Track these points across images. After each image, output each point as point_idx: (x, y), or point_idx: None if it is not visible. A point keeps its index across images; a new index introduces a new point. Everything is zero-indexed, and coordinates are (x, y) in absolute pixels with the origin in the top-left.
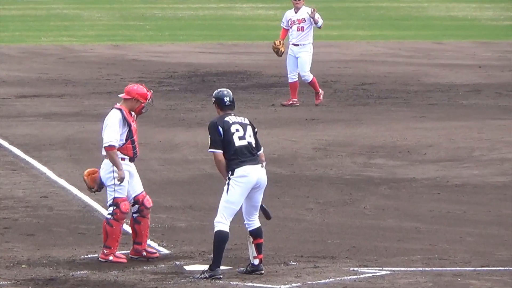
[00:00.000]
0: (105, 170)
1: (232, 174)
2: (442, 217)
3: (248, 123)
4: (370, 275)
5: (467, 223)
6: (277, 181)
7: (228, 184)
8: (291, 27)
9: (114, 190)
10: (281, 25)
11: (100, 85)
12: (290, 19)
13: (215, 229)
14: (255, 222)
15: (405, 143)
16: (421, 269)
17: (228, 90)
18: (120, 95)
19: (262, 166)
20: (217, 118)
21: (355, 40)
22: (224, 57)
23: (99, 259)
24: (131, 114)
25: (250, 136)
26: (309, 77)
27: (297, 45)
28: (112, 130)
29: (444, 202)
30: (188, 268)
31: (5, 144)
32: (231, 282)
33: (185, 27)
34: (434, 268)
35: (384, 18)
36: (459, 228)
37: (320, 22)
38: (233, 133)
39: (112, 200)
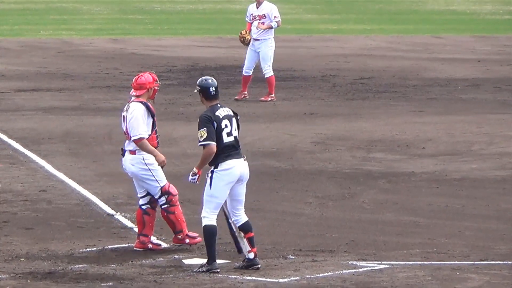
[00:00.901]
0: (136, 163)
1: (216, 167)
2: (440, 211)
3: (232, 114)
4: (369, 269)
5: (466, 217)
6: (276, 175)
7: (212, 178)
8: (252, 22)
9: (156, 180)
10: (246, 19)
11: (99, 79)
12: (252, 14)
13: (202, 225)
14: (241, 216)
15: (404, 137)
16: (419, 263)
17: (213, 78)
18: (133, 93)
19: (244, 160)
20: (208, 111)
21: (354, 34)
22: (223, 51)
23: (173, 243)
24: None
25: (235, 130)
26: (269, 73)
27: (258, 39)
28: (139, 122)
29: (443, 196)
30: (186, 261)
31: (4, 137)
32: (230, 276)
33: (184, 21)
34: (433, 262)
35: (383, 12)
36: (458, 222)
37: (275, 25)
38: (223, 129)
39: (160, 191)
